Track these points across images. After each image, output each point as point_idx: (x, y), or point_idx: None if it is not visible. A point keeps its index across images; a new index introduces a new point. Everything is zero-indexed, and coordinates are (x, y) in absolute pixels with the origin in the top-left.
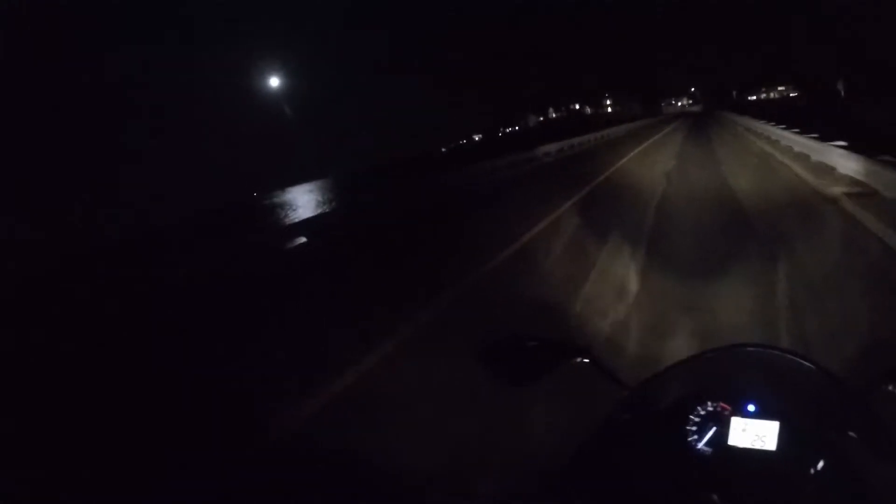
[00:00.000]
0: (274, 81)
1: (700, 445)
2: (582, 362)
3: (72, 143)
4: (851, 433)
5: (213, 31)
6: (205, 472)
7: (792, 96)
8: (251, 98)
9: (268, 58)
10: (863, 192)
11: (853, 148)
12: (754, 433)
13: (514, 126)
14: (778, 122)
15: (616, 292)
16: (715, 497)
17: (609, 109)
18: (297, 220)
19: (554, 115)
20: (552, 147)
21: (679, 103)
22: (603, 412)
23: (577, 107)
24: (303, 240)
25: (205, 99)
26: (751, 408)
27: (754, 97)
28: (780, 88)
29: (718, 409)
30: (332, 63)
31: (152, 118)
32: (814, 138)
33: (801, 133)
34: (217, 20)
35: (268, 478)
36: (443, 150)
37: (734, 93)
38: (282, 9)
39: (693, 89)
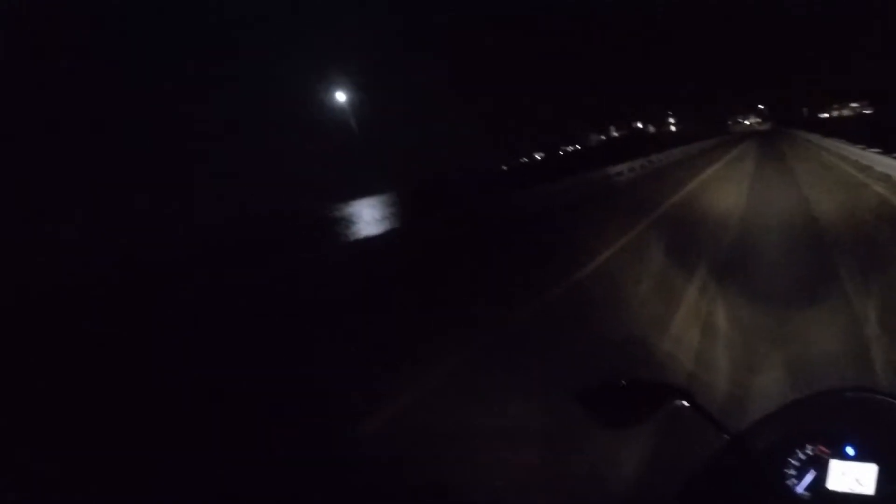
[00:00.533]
0: (341, 96)
1: (799, 490)
2: (681, 405)
3: (151, 150)
4: None
5: (285, 46)
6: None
7: (866, 113)
8: (320, 111)
9: (337, 72)
10: None
11: None
12: (853, 477)
13: (574, 144)
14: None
15: None
16: None
17: (673, 128)
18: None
19: (616, 134)
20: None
21: (747, 121)
22: (700, 455)
23: (640, 125)
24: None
25: (277, 111)
26: (849, 451)
27: (826, 115)
28: (852, 105)
29: (817, 452)
30: (398, 80)
31: (227, 130)
32: None
33: None
34: (291, 37)
35: None
36: (503, 167)
37: (804, 110)
38: (353, 26)
39: (761, 107)
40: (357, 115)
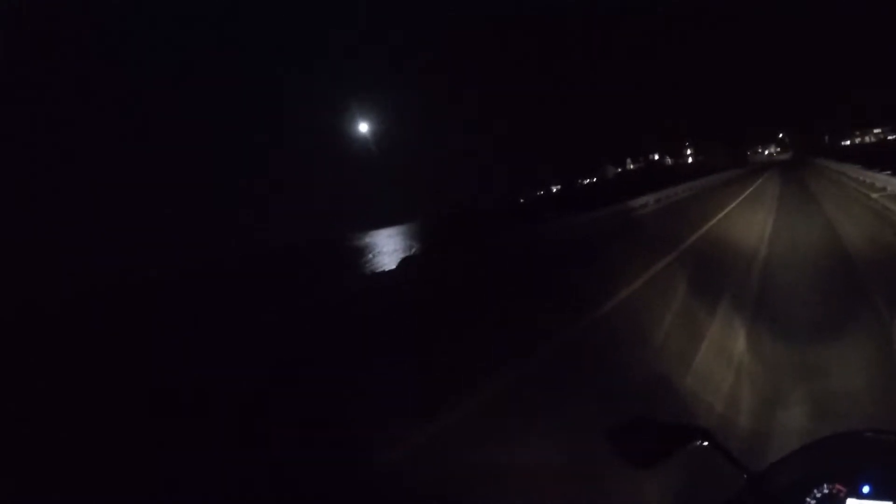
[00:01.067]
0: (363, 126)
1: None
2: (702, 445)
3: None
4: None
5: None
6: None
7: (891, 139)
8: (342, 140)
9: (360, 102)
10: None
11: None
12: None
13: (592, 177)
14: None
15: None
16: None
17: (690, 160)
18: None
19: (632, 167)
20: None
21: (766, 151)
22: (721, 495)
23: (657, 157)
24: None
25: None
26: (866, 489)
27: (847, 142)
28: (875, 131)
29: (834, 490)
30: (416, 110)
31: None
32: None
33: None
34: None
35: None
36: (521, 200)
37: (826, 137)
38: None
39: (781, 135)
40: (377, 145)
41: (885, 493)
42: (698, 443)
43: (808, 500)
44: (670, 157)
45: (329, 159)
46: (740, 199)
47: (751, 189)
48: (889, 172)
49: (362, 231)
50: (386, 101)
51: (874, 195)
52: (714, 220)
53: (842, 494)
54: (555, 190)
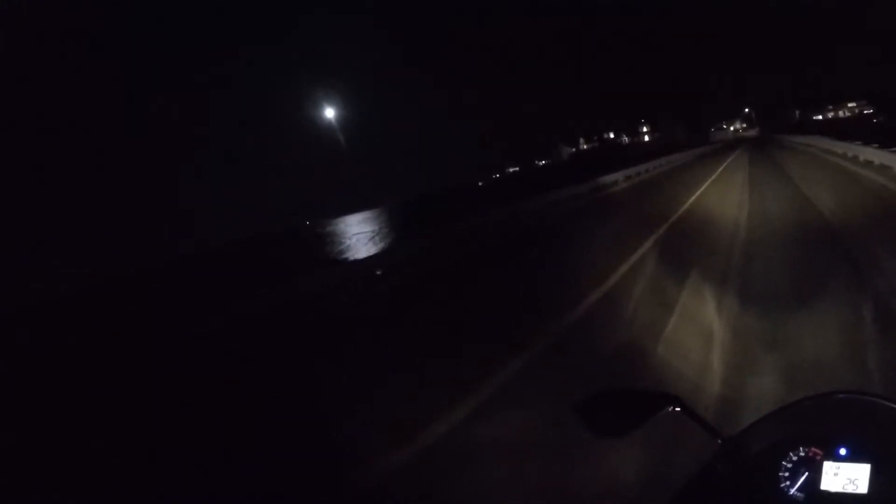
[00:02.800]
0: (329, 112)
1: (793, 491)
2: (674, 411)
3: (141, 172)
4: None
5: (274, 63)
6: None
7: (866, 113)
8: (308, 128)
9: (325, 89)
10: None
11: None
12: (846, 477)
13: (548, 158)
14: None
15: None
16: None
17: (647, 138)
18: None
19: (585, 147)
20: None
21: (731, 127)
22: (694, 460)
23: (612, 135)
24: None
25: (266, 129)
26: (842, 452)
27: (819, 116)
28: (850, 105)
29: (810, 453)
30: (374, 92)
31: (213, 148)
32: None
33: None
34: (279, 55)
35: None
36: (479, 184)
37: (797, 112)
38: (342, 46)
39: (746, 110)
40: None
41: (862, 455)
42: (669, 409)
43: (783, 464)
44: (627, 136)
45: (292, 145)
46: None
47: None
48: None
49: (330, 218)
50: (350, 88)
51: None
52: None
53: (818, 458)
54: (511, 171)
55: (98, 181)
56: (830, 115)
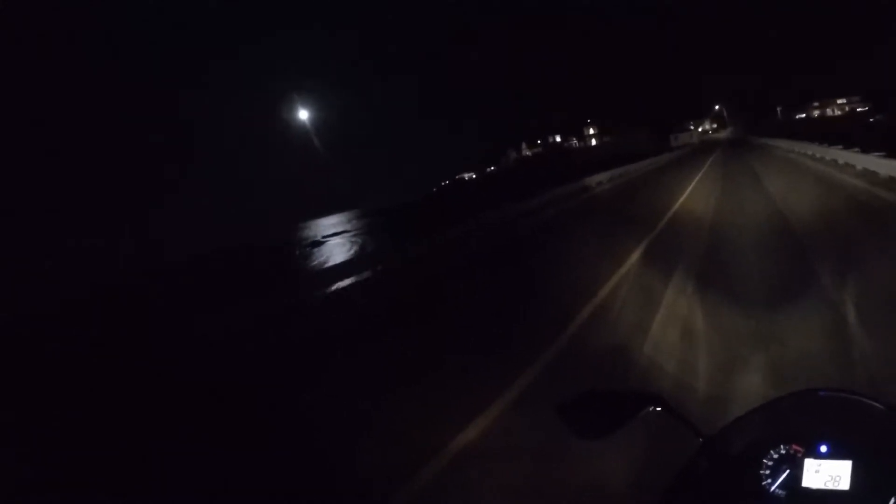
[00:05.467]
0: (304, 114)
1: (774, 489)
2: (655, 411)
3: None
4: None
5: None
6: None
7: (860, 111)
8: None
9: (299, 92)
10: None
11: None
12: (827, 474)
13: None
14: None
15: None
16: None
17: (594, 142)
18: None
19: (528, 153)
20: None
21: (700, 128)
22: (676, 458)
23: (559, 139)
24: None
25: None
26: (823, 449)
27: (803, 115)
28: (839, 101)
29: (791, 451)
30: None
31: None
32: None
33: None
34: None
35: None
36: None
37: (778, 109)
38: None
39: (717, 107)
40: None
41: (843, 452)
42: (651, 408)
43: (764, 461)
44: (577, 140)
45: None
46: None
47: None
48: None
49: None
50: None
51: None
52: None
53: (799, 455)
54: (467, 178)
55: (51, 187)
56: (816, 112)
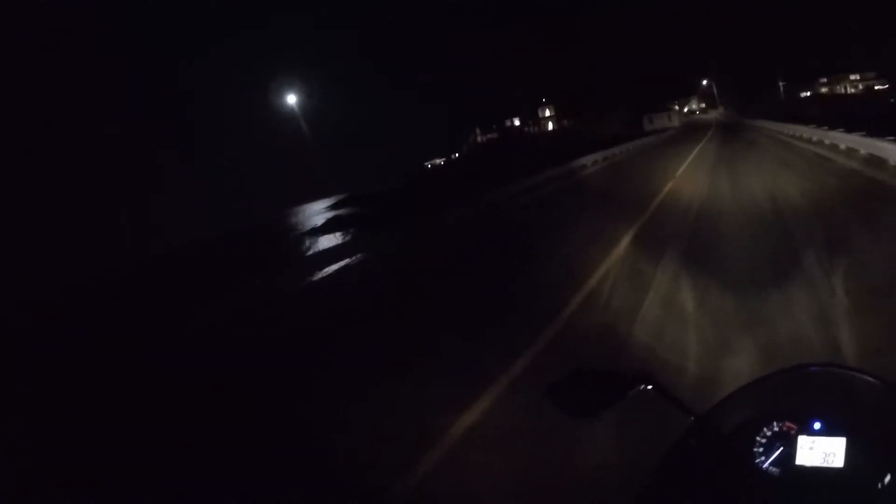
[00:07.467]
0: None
1: (768, 466)
2: (646, 390)
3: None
4: None
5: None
6: None
7: (878, 89)
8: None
9: (281, 77)
10: None
11: None
12: (821, 450)
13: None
14: None
15: None
16: None
17: (550, 125)
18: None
19: (481, 139)
20: None
21: (686, 108)
22: (667, 437)
23: (518, 122)
24: None
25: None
26: (817, 425)
27: (808, 93)
28: (852, 77)
29: (784, 428)
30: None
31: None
32: None
33: None
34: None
35: None
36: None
37: (781, 85)
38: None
39: (704, 82)
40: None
41: (837, 429)
42: (641, 387)
43: (757, 439)
44: (537, 126)
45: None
46: None
47: None
48: None
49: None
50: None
51: None
52: None
53: (793, 432)
54: (429, 166)
55: (43, 181)
56: (824, 90)
